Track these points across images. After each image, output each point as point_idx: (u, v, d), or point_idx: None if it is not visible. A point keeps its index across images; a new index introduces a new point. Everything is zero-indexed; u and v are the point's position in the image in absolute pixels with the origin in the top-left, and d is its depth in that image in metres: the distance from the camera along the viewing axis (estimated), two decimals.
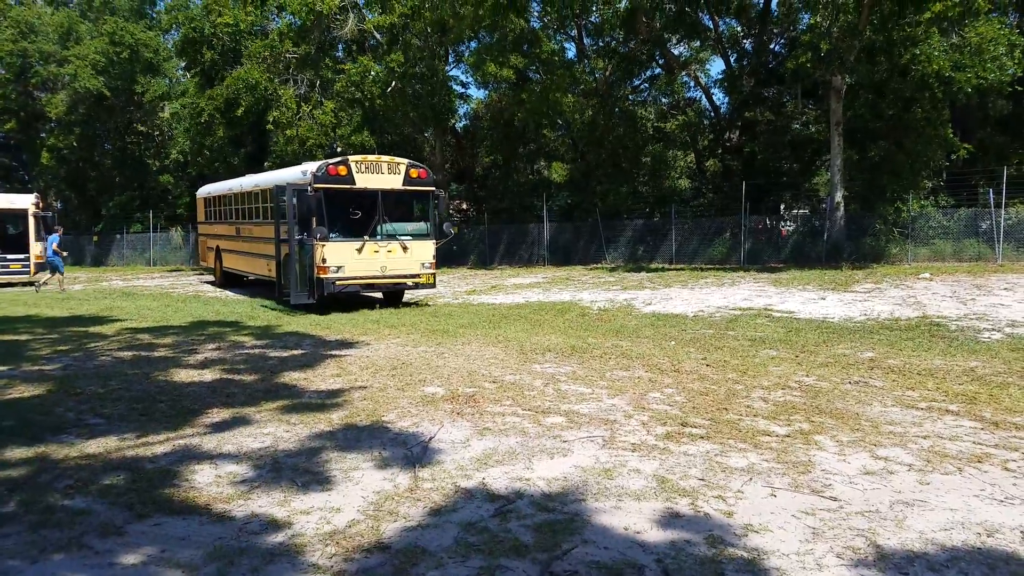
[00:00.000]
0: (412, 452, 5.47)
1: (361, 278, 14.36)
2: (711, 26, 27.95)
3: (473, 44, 30.95)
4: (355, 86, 27.38)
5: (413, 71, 27.15)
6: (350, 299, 15.61)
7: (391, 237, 14.65)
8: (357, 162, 14.39)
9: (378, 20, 27.88)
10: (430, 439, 5.77)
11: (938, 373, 7.76)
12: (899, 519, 4.17)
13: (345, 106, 28.19)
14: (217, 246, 22.10)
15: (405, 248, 14.72)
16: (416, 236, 15.03)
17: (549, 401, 6.94)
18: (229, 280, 21.88)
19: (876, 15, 19.59)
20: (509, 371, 8.38)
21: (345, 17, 27.68)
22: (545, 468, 5.09)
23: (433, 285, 15.45)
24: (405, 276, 14.85)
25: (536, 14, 29.16)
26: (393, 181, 14.68)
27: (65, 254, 22.52)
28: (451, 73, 32.80)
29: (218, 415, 6.66)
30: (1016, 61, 18.96)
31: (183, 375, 8.50)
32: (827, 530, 4.04)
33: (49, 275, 21.90)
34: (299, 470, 5.14)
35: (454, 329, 11.76)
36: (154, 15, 41.81)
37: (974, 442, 5.48)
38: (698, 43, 30.31)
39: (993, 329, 10.33)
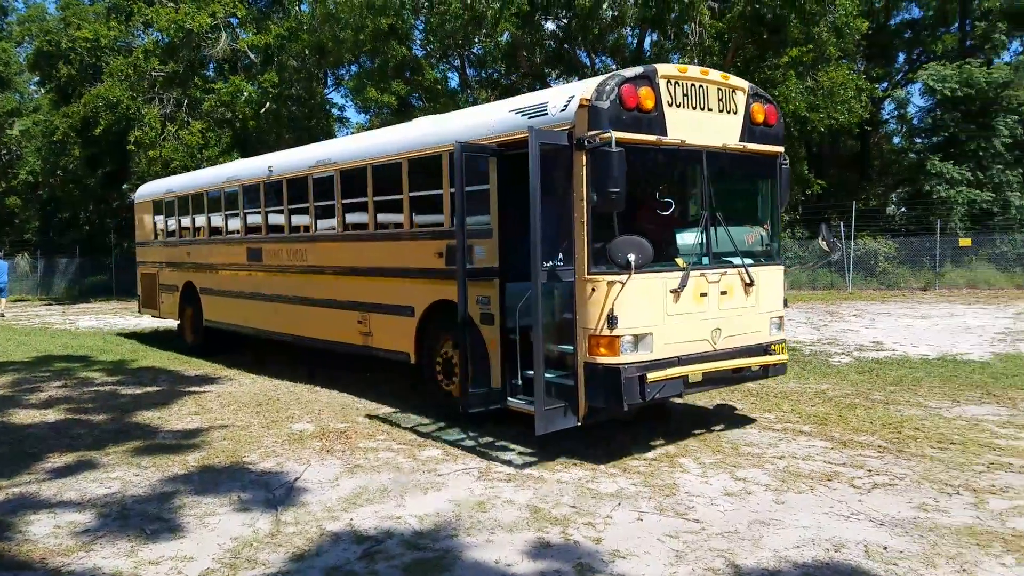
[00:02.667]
0: (275, 494, 5.20)
1: (686, 360, 6.08)
2: (588, 63, 29.02)
3: (354, 68, 30.59)
4: (225, 106, 26.38)
5: (289, 93, 26.49)
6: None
7: (718, 257, 6.53)
8: (669, 80, 6.13)
9: (253, 40, 27.06)
10: (295, 480, 5.51)
11: (792, 395, 8.22)
12: (756, 538, 4.34)
13: (214, 126, 27.08)
14: (187, 282, 12.62)
15: (748, 285, 6.58)
16: (756, 256, 6.99)
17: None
18: (213, 341, 12.26)
19: (740, 58, 21.00)
20: (386, 403, 8.18)
21: (217, 36, 26.67)
22: (417, 504, 4.97)
23: (784, 368, 7.07)
24: (751, 352, 6.60)
25: (419, 42, 29.26)
26: (728, 127, 6.59)
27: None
28: (330, 96, 32.33)
29: (60, 459, 6.13)
30: (863, 104, 20.81)
31: (23, 415, 7.79)
32: (689, 552, 4.15)
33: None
34: (149, 517, 4.78)
35: None
36: (4, 26, 38.80)
37: (825, 461, 5.81)
38: (576, 79, 31.40)
39: (843, 353, 11.10)
